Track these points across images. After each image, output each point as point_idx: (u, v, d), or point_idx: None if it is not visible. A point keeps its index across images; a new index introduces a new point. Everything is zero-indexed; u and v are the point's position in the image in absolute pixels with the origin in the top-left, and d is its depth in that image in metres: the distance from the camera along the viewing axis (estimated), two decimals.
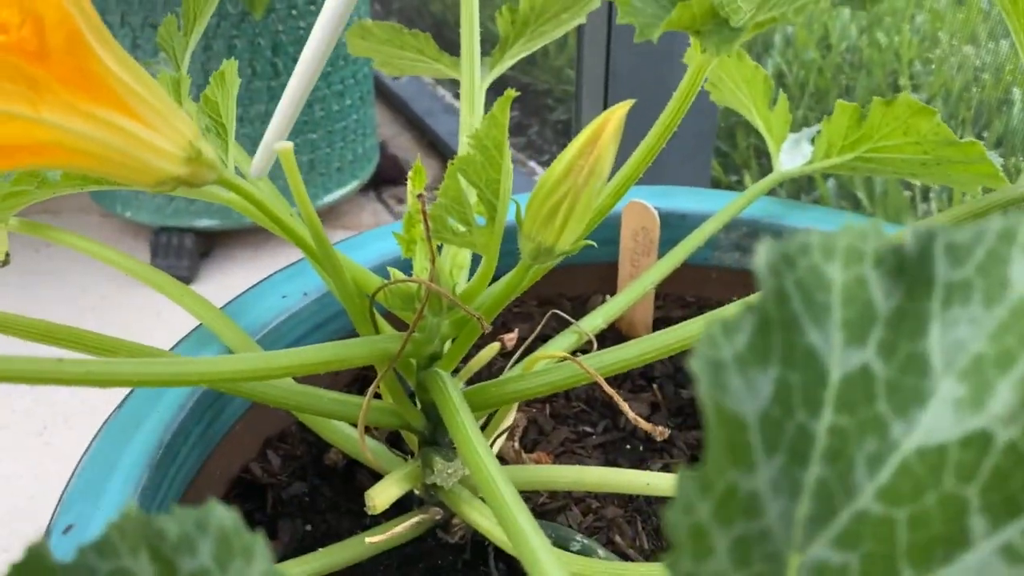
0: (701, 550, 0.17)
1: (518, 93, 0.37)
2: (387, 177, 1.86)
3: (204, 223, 1.55)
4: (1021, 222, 0.18)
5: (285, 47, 1.42)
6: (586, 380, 0.48)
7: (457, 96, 2.14)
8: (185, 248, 1.56)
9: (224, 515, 0.20)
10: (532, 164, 2.06)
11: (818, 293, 0.18)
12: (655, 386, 0.71)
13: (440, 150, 2.03)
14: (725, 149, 1.61)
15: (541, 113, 2.01)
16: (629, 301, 0.61)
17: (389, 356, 0.48)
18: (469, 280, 0.58)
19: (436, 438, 0.54)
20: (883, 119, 0.65)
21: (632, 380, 0.72)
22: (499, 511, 0.38)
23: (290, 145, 0.43)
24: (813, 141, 0.74)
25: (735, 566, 0.18)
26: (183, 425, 0.55)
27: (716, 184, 1.47)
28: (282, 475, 0.65)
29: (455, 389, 0.49)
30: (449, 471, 0.52)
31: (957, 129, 1.38)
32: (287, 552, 0.60)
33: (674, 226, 0.72)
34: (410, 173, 0.49)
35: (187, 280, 1.57)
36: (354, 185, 1.70)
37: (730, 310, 0.23)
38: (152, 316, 1.52)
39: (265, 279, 0.64)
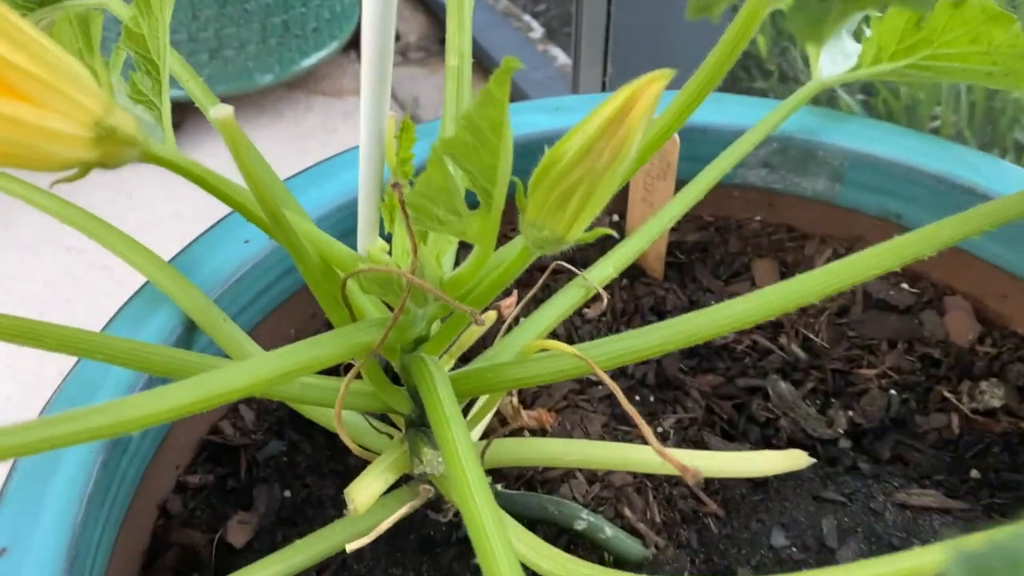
0: None
1: (521, 67, 0.28)
2: None
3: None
4: None
5: None
6: (585, 372, 0.41)
7: None
8: None
9: None
10: (527, 18, 1.91)
11: None
12: None
13: (427, 4, 1.87)
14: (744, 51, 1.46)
15: None
16: (643, 246, 0.53)
17: (368, 348, 0.40)
18: (456, 258, 0.50)
19: (424, 419, 0.48)
20: (948, 23, 0.55)
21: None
22: (472, 521, 0.33)
23: (229, 109, 0.34)
24: (858, 39, 0.64)
25: None
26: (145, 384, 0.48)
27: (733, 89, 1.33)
28: (257, 433, 0.59)
29: (441, 379, 0.42)
30: (439, 459, 0.46)
31: None
32: (264, 524, 0.54)
33: (695, 141, 0.63)
34: (398, 131, 0.40)
35: None
36: (333, 47, 1.56)
37: None
38: (124, 197, 1.43)
39: (221, 221, 0.55)
